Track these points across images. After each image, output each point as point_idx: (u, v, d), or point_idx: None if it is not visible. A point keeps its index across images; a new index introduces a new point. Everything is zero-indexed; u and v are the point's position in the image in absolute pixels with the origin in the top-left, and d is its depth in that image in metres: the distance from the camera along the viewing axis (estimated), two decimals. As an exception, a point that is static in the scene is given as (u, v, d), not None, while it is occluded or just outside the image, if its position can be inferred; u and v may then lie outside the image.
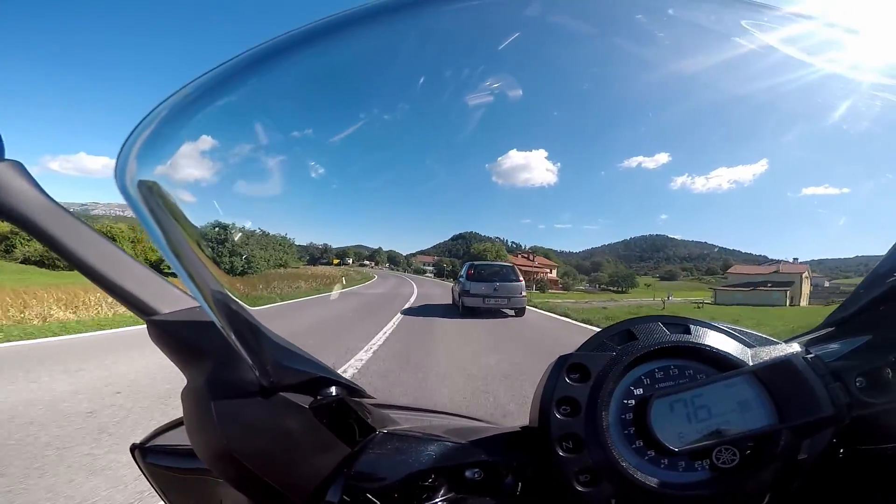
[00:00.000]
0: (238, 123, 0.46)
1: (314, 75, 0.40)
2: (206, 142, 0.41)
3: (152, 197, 0.36)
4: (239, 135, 0.49)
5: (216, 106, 0.36)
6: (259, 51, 0.36)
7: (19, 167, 0.42)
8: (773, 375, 0.41)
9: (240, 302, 0.43)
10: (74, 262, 0.43)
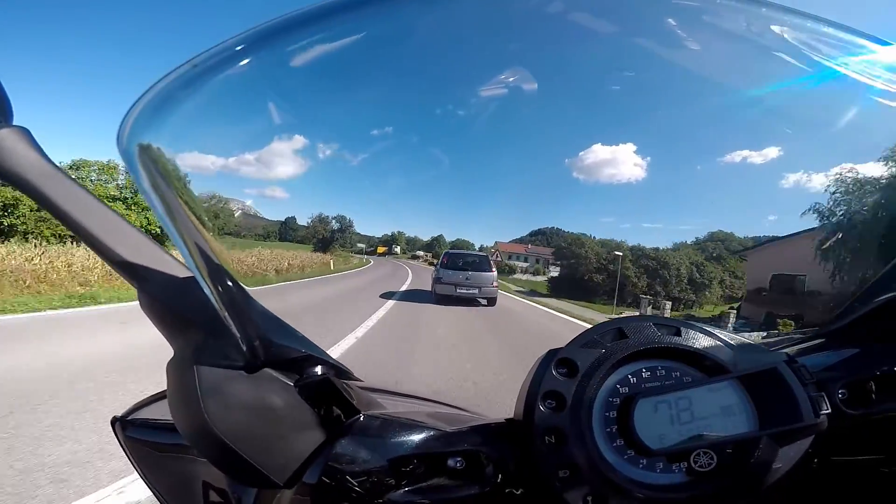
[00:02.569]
0: (247, 96, 0.43)
1: (355, 50, 0.37)
2: (213, 112, 0.38)
3: (152, 164, 0.34)
4: (248, 108, 0.46)
5: (225, 77, 0.34)
6: (274, 24, 0.34)
7: (25, 133, 0.42)
8: (758, 382, 0.42)
9: (233, 274, 0.40)
10: (71, 227, 0.43)
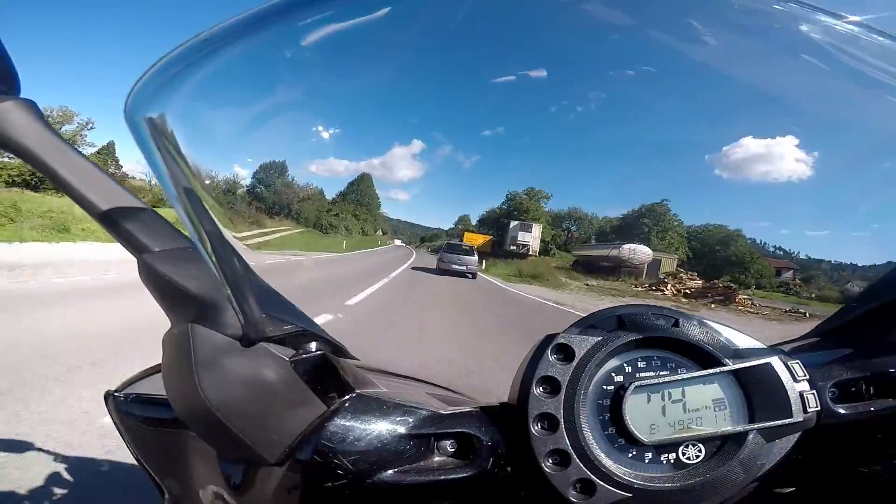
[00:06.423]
0: (260, 72, 0.41)
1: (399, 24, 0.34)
2: (223, 87, 0.36)
3: (158, 133, 0.32)
4: (261, 84, 0.43)
5: (238, 52, 0.32)
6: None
7: (31, 105, 0.42)
8: (752, 377, 0.40)
9: (234, 246, 0.38)
10: (75, 197, 0.42)
